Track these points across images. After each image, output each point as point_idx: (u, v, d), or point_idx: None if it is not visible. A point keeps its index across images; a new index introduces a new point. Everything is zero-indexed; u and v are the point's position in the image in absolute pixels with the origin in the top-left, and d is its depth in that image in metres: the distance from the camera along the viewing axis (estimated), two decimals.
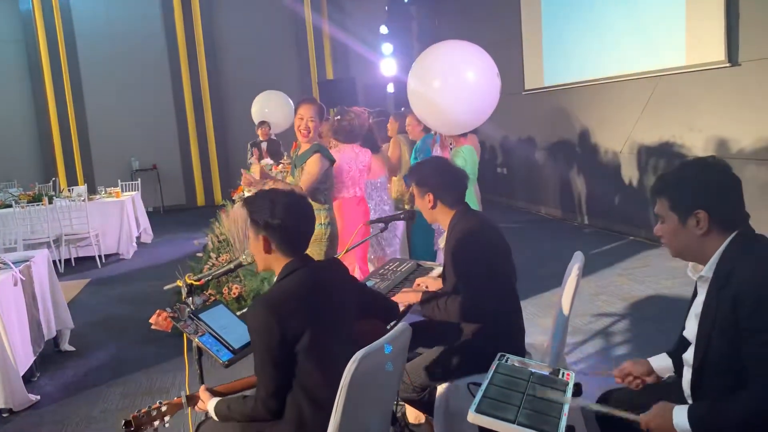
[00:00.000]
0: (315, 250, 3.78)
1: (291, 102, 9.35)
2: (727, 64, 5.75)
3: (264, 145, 9.03)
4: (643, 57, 6.92)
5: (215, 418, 2.11)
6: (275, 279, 2.07)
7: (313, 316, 1.94)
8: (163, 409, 2.19)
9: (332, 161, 3.92)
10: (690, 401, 1.86)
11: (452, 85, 4.08)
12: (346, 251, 3.15)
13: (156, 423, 2.17)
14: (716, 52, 5.84)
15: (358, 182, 4.54)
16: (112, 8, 12.57)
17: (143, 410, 2.16)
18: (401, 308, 2.68)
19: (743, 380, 1.68)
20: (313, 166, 3.80)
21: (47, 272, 4.65)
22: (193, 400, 2.24)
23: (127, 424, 2.11)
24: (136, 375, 4.33)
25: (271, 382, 1.93)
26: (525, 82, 9.53)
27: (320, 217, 3.88)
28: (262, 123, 9.17)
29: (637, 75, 7.06)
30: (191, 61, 13.01)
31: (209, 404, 2.12)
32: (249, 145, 9.19)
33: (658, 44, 6.66)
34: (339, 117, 4.52)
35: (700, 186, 1.80)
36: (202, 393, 2.20)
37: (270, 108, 9.41)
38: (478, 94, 4.11)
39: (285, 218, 1.99)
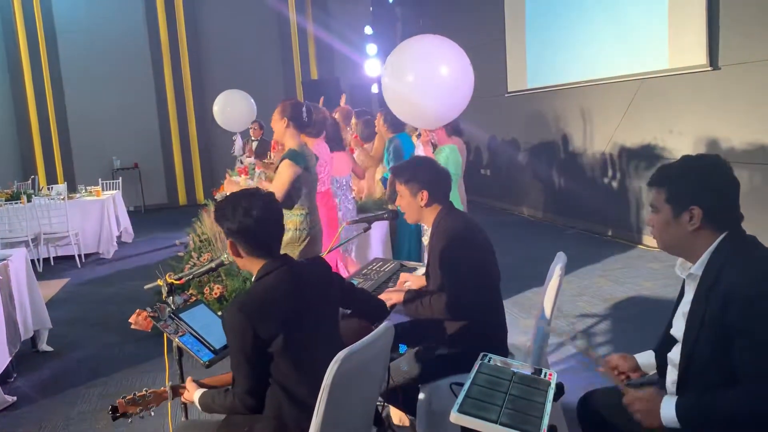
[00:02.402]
0: (293, 255, 3.68)
1: (252, 101, 9.25)
2: (709, 68, 5.82)
3: (254, 144, 8.98)
4: (626, 60, 6.99)
5: (199, 408, 2.13)
6: (253, 279, 2.07)
7: (288, 319, 1.94)
8: (149, 397, 2.18)
9: (305, 167, 3.71)
10: None
11: (426, 79, 4.04)
12: (329, 251, 3.14)
13: (141, 410, 2.18)
14: (698, 56, 5.91)
15: (327, 177, 4.53)
16: (94, 4, 12.41)
17: (129, 396, 2.17)
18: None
19: (729, 380, 1.69)
20: (282, 173, 3.64)
21: (25, 271, 4.58)
22: (177, 391, 2.26)
23: (114, 409, 2.13)
24: (116, 376, 4.28)
25: (246, 380, 1.95)
26: (508, 84, 9.57)
27: (296, 222, 3.77)
28: (254, 122, 9.11)
29: (620, 78, 7.12)
30: (174, 59, 12.91)
31: (195, 395, 2.15)
32: (235, 141, 9.15)
33: (641, 48, 6.73)
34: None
35: (699, 182, 1.79)
36: (189, 384, 2.23)
37: (232, 107, 9.28)
38: (452, 86, 4.09)
39: (245, 221, 1.98)
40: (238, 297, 2.00)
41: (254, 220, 1.98)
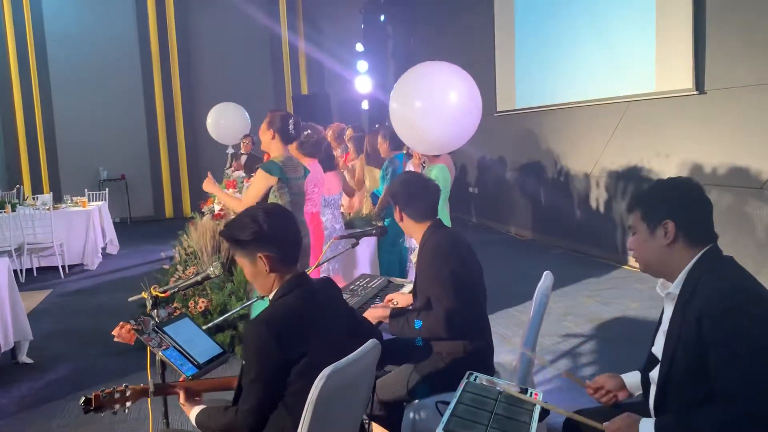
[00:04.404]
0: None
1: (247, 115, 9.25)
2: (694, 92, 5.90)
3: (243, 159, 8.96)
4: (614, 83, 7.07)
5: (194, 425, 2.08)
6: (272, 296, 2.01)
7: (313, 340, 1.91)
8: (128, 393, 2.11)
9: (280, 177, 3.74)
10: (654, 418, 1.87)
11: (435, 107, 4.07)
12: (317, 266, 3.13)
13: (116, 406, 2.09)
14: (684, 80, 6.00)
15: (318, 197, 4.54)
16: (85, 14, 12.40)
17: (107, 390, 2.08)
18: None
19: (706, 396, 1.70)
20: (254, 182, 3.72)
21: (7, 281, 4.52)
22: (160, 390, 2.18)
23: (87, 401, 2.04)
24: (97, 389, 4.18)
25: (255, 399, 1.89)
26: (497, 104, 9.65)
27: None
28: (246, 136, 9.09)
29: (608, 100, 7.21)
30: (164, 71, 12.90)
31: (192, 413, 2.09)
32: (230, 155, 9.12)
33: (629, 71, 6.82)
34: (307, 131, 4.46)
35: (670, 198, 1.86)
36: (185, 405, 2.15)
37: (226, 120, 9.26)
38: (461, 116, 4.11)
39: (273, 223, 1.96)
40: (264, 313, 1.92)
41: (281, 223, 1.98)
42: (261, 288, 2.06)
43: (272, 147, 3.88)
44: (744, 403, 1.62)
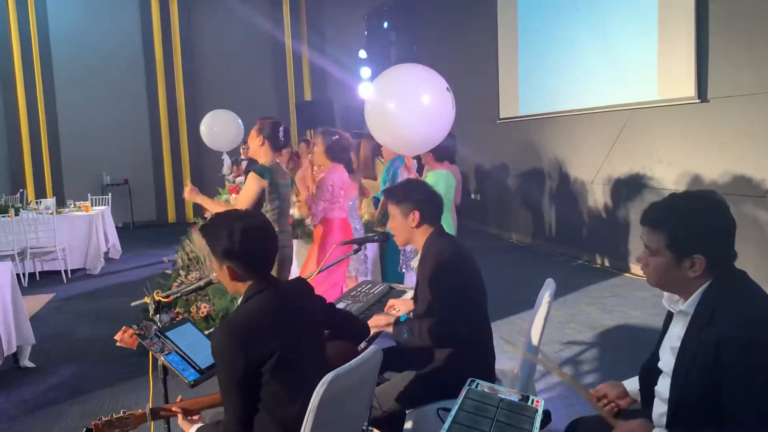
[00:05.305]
0: None
1: (240, 121, 9.27)
2: (697, 100, 5.91)
3: (244, 164, 8.99)
4: (616, 91, 7.08)
5: None
6: (239, 300, 2.05)
7: (280, 338, 1.92)
8: (127, 419, 2.13)
9: (270, 181, 3.80)
10: None
11: (404, 107, 4.06)
12: (320, 271, 3.14)
13: None
14: (686, 88, 6.00)
15: (346, 202, 4.55)
16: (90, 18, 12.46)
17: (105, 418, 2.11)
18: (372, 332, 2.66)
19: (718, 420, 1.67)
20: (247, 186, 3.78)
21: (10, 285, 4.53)
22: (157, 413, 2.21)
23: (88, 431, 2.07)
24: (98, 393, 4.22)
25: (237, 407, 1.92)
26: (500, 111, 9.66)
27: None
28: (246, 142, 9.13)
29: (610, 108, 7.22)
30: (168, 77, 12.94)
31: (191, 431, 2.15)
32: (231, 161, 9.15)
33: (631, 79, 6.83)
34: (335, 136, 4.48)
35: (704, 230, 1.73)
36: (184, 424, 2.19)
37: (219, 127, 9.29)
38: (429, 113, 4.10)
39: (244, 244, 1.95)
40: (226, 319, 1.96)
41: (254, 243, 1.97)
42: (229, 288, 2.10)
43: (261, 153, 3.94)
44: None
